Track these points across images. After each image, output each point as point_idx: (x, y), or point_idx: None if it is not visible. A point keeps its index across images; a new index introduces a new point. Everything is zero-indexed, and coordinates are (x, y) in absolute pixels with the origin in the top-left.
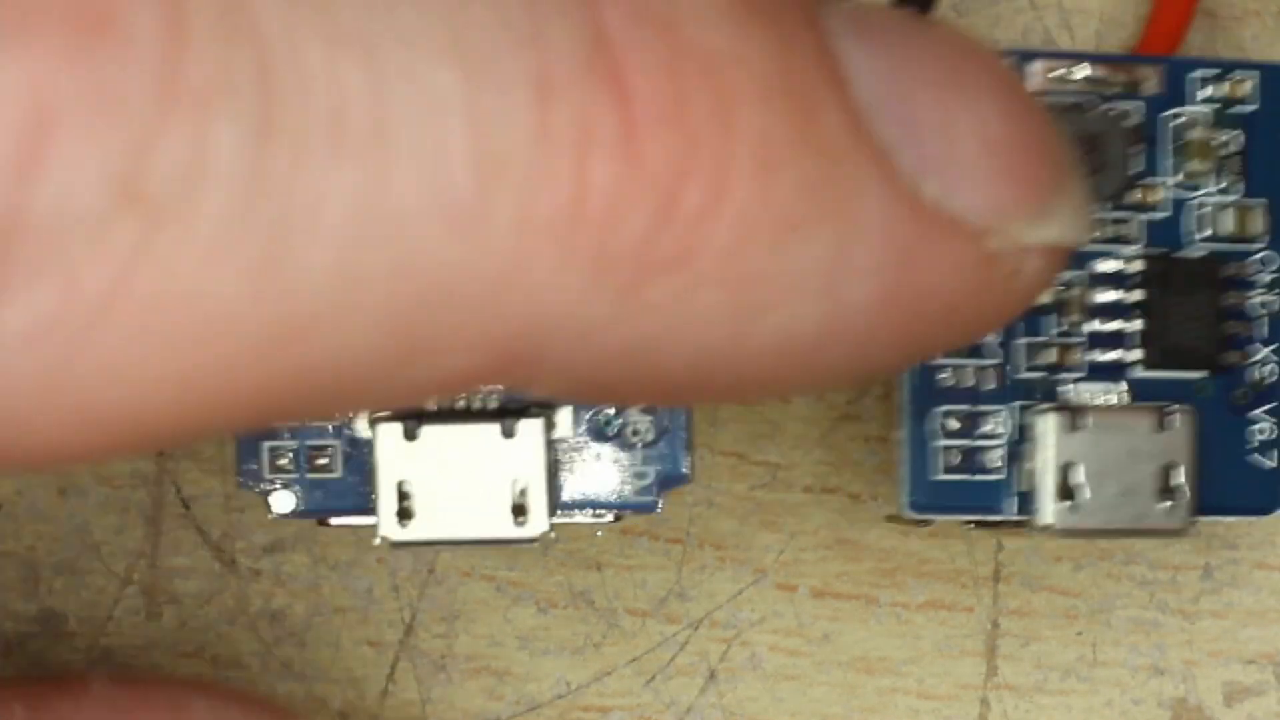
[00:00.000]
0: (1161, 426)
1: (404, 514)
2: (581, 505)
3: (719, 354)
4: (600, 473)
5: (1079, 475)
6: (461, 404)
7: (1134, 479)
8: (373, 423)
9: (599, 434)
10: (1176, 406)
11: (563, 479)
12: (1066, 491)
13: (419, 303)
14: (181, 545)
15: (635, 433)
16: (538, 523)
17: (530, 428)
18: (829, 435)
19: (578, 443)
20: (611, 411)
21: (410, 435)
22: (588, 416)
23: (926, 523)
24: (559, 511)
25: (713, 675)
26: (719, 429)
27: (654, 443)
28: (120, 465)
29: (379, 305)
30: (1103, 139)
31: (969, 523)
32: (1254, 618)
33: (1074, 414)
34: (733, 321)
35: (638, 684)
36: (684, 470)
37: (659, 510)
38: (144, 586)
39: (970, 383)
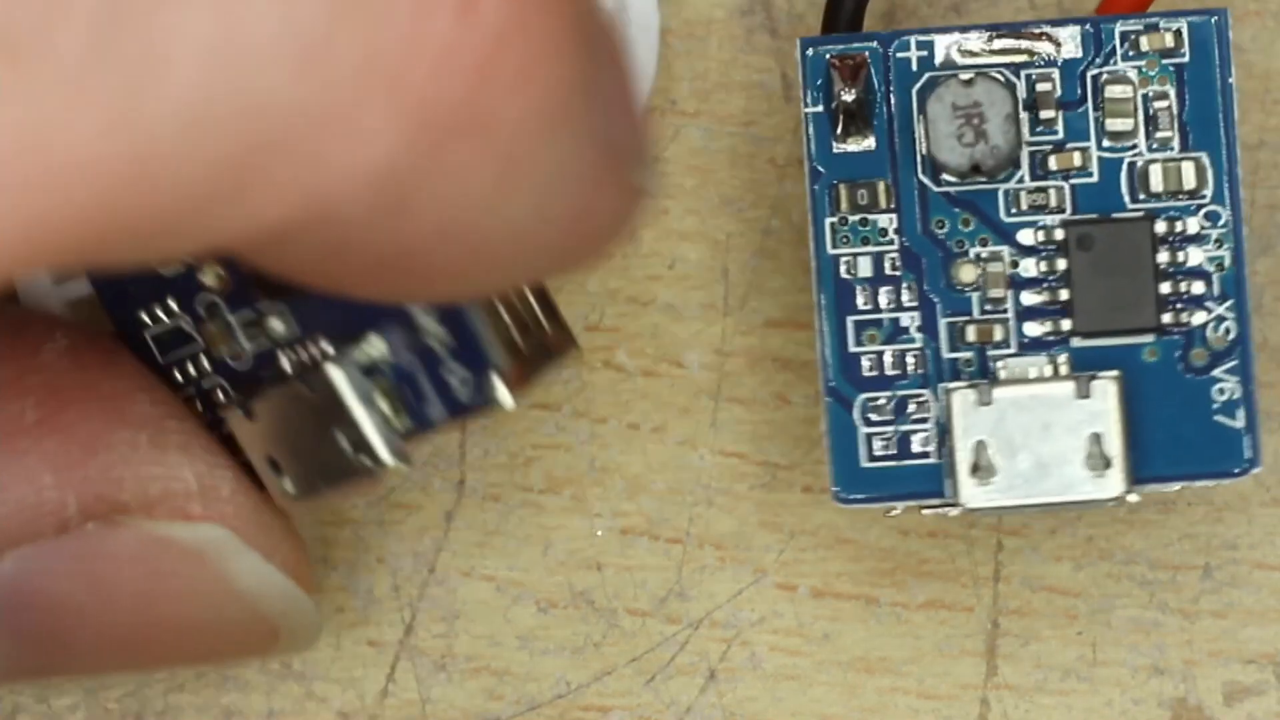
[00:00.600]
0: (1084, 394)
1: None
2: (427, 426)
3: (469, 230)
4: (428, 390)
5: (988, 452)
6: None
7: (1056, 451)
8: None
9: (408, 357)
10: (1101, 374)
11: (396, 408)
12: (983, 470)
13: (258, 145)
14: None
15: (439, 341)
16: (384, 455)
17: (335, 374)
18: None
19: (393, 367)
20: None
21: (249, 414)
22: (396, 341)
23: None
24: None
25: (713, 675)
26: (719, 429)
27: (457, 346)
28: None
29: (222, 146)
30: (986, 111)
31: (918, 508)
32: (1254, 618)
33: (982, 390)
34: (493, 197)
35: (638, 684)
36: (496, 360)
37: (510, 406)
38: None
39: (894, 369)
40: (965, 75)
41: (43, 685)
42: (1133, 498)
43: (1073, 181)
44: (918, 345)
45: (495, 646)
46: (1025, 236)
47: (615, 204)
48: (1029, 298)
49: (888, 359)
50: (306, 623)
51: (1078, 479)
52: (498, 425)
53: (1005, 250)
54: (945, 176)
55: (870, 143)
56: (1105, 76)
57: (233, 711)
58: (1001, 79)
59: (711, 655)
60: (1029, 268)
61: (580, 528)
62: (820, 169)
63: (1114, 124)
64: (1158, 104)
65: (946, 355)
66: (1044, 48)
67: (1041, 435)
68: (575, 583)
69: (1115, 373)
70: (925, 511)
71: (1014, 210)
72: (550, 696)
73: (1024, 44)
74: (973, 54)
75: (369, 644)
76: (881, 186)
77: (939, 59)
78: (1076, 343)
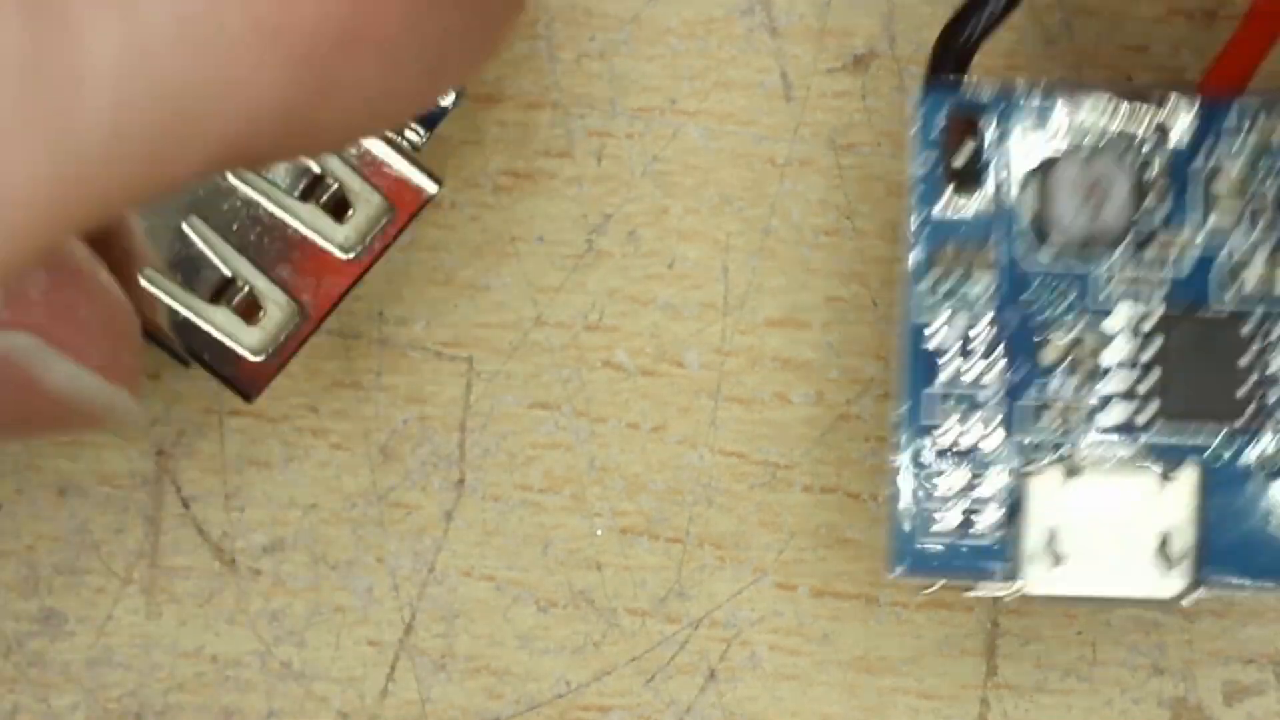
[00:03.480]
0: (1160, 488)
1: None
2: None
3: (373, 117)
4: None
5: (1065, 539)
6: None
7: (1124, 543)
8: None
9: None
10: (1182, 466)
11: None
12: (1055, 557)
13: (173, 122)
14: (181, 545)
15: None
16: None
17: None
18: (829, 435)
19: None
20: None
21: None
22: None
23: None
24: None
25: (713, 675)
26: (718, 428)
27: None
28: (120, 465)
29: (143, 134)
30: (1106, 184)
31: (963, 588)
32: (1254, 617)
33: (1064, 474)
34: (387, 84)
35: (638, 684)
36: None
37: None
38: (144, 586)
39: (968, 444)
40: (1086, 153)
41: (41, 685)
42: (1193, 599)
43: (1169, 270)
44: (997, 422)
45: (495, 646)
46: (1116, 321)
47: (493, 21)
48: (1113, 383)
49: (963, 432)
50: (126, 415)
51: (1141, 575)
52: (498, 425)
53: (1095, 332)
54: (1044, 249)
55: (975, 207)
56: (1213, 165)
57: (233, 711)
58: (1121, 158)
59: (711, 655)
60: (1117, 351)
61: (580, 527)
62: (923, 230)
63: (1216, 217)
64: (1267, 195)
65: (1026, 437)
66: (1157, 119)
67: (1112, 525)
68: (575, 582)
69: (1194, 468)
70: (967, 594)
71: (1111, 291)
72: (550, 696)
73: (1140, 117)
74: (1085, 130)
75: (369, 644)
76: (981, 254)
77: (1053, 129)
78: (1156, 434)
